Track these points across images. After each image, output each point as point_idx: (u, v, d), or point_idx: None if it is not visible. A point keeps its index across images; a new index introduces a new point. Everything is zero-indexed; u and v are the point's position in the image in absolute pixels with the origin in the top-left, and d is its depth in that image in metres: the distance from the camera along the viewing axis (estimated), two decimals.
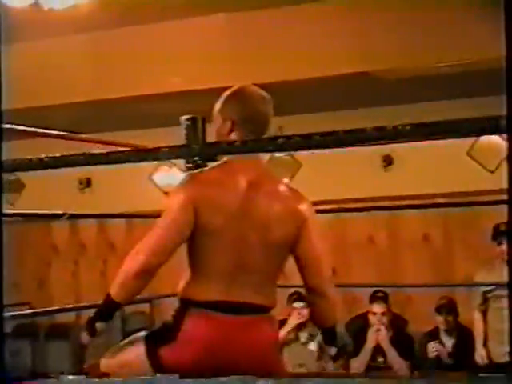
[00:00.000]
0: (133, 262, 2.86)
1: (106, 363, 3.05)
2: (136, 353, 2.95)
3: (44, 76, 6.95)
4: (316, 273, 3.02)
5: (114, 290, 2.91)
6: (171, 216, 2.89)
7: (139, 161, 1.64)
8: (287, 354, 6.62)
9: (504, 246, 5.98)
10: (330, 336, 3.16)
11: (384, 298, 6.76)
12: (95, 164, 1.67)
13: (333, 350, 3.18)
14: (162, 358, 2.89)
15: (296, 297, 6.88)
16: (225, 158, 3.04)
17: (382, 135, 1.53)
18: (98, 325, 2.95)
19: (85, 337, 2.97)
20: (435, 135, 1.47)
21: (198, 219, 2.87)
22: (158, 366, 2.89)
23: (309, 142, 1.55)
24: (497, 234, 6.18)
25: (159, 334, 2.97)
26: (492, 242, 6.25)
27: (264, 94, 3.13)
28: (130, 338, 3.08)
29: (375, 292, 6.81)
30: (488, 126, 1.36)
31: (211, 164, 3.49)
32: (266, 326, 2.98)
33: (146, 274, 2.84)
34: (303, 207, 3.05)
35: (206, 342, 2.86)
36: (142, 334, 3.03)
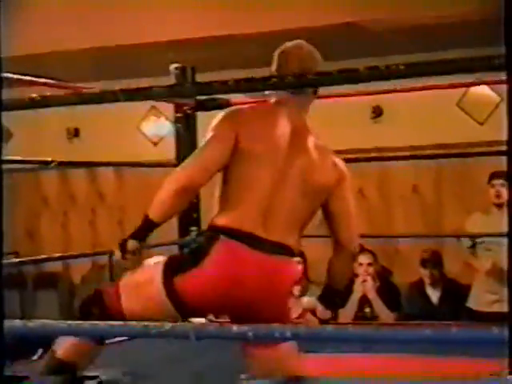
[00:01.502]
0: (173, 180, 2.88)
1: (123, 282, 3.01)
2: (152, 275, 2.92)
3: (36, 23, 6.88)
4: (347, 227, 3.13)
5: (152, 209, 2.91)
6: (213, 138, 2.94)
7: (131, 100, 1.64)
8: None
9: (496, 188, 6.06)
10: (330, 298, 3.19)
11: (370, 250, 6.81)
12: (87, 103, 1.66)
13: (328, 314, 3.21)
14: (177, 284, 2.86)
15: None
16: (271, 100, 3.11)
17: (374, 75, 1.52)
18: (130, 243, 2.95)
19: (117, 254, 2.98)
20: (428, 75, 1.47)
21: (239, 144, 2.92)
22: (171, 291, 2.87)
23: (302, 81, 1.55)
24: (491, 178, 6.21)
25: (181, 260, 2.94)
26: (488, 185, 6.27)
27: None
28: (153, 258, 3.05)
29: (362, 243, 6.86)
30: (482, 64, 1.36)
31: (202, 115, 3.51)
32: (289, 269, 3.00)
33: (186, 191, 2.88)
34: (342, 164, 3.20)
35: (230, 272, 2.84)
36: (164, 258, 3.00)
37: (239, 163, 2.92)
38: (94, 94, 1.69)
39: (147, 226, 2.92)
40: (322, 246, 7.38)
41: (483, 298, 6.25)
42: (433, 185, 7.28)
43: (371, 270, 6.67)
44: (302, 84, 1.56)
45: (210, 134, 2.97)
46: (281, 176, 2.95)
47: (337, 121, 7.39)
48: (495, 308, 6.01)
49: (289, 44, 3.25)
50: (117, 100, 1.64)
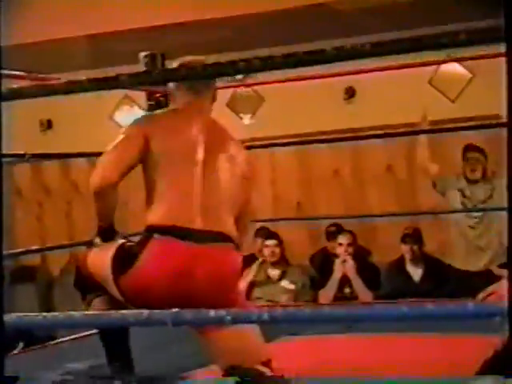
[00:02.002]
0: (90, 185, 3.00)
1: (89, 256, 3.17)
2: (105, 261, 3.04)
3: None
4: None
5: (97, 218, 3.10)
6: (121, 139, 3.08)
7: (99, 89, 1.63)
8: (259, 292, 6.69)
9: (471, 162, 6.12)
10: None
11: (350, 230, 6.83)
12: (56, 94, 1.65)
13: None
14: (122, 285, 2.96)
15: (266, 233, 6.92)
16: (172, 107, 3.29)
17: (341, 55, 1.52)
18: (97, 240, 3.14)
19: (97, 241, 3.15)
20: (395, 53, 1.47)
21: (151, 145, 3.02)
22: (119, 289, 2.97)
23: (269, 63, 1.54)
24: (465, 150, 6.23)
25: (123, 258, 2.99)
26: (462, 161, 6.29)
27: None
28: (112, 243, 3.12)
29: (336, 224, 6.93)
30: (447, 40, 1.36)
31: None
32: (227, 256, 3.02)
33: (104, 191, 2.97)
34: (250, 156, 3.31)
35: (166, 268, 2.89)
36: (118, 243, 3.08)
37: (157, 163, 3.01)
38: (61, 85, 1.68)
39: (102, 230, 3.11)
40: (298, 229, 7.44)
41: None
42: (406, 163, 7.30)
43: (351, 249, 6.69)
44: (269, 67, 1.56)
45: (118, 137, 3.09)
46: (202, 169, 3.02)
47: (311, 104, 7.39)
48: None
49: (188, 58, 3.31)
50: (84, 90, 1.63)
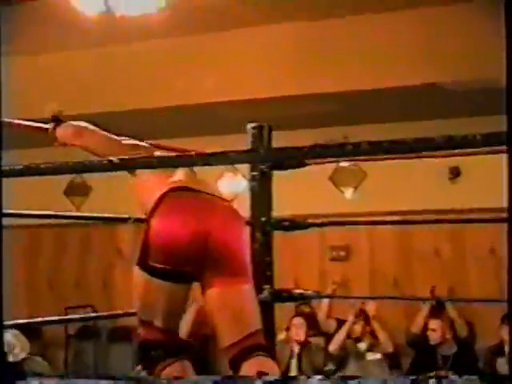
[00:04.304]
0: None
1: (139, 309, 2.97)
2: (138, 279, 2.91)
3: (113, 81, 7.05)
4: None
5: None
6: None
7: (207, 164, 1.65)
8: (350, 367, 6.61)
9: None
10: None
11: (442, 313, 6.70)
12: (164, 166, 1.69)
13: None
14: (150, 260, 2.84)
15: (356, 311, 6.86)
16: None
17: (450, 145, 1.52)
18: None
19: None
20: (504, 144, 1.46)
21: None
22: (150, 269, 2.84)
23: (377, 148, 1.55)
24: None
25: (142, 245, 2.88)
26: None
27: None
28: None
29: (434, 307, 6.78)
30: None
31: (277, 172, 3.55)
32: (236, 212, 2.99)
33: None
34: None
35: (185, 220, 2.82)
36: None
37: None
38: (171, 158, 1.72)
39: None
40: (394, 304, 7.33)
41: None
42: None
43: (447, 332, 6.55)
44: (378, 151, 1.56)
45: None
46: None
47: (414, 181, 7.34)
48: None
49: None
50: (193, 164, 1.67)
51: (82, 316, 7.80)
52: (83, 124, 3.26)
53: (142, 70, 6.90)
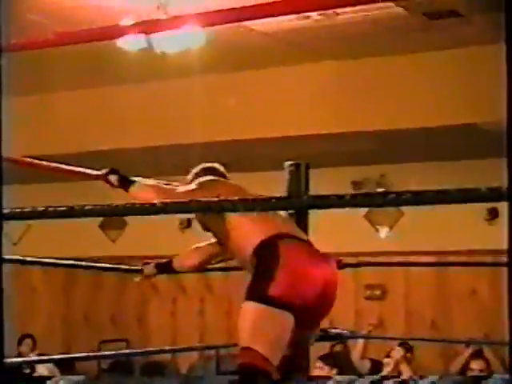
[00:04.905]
0: None
1: (245, 339, 3.07)
2: (251, 311, 3.04)
3: (149, 117, 7.11)
4: None
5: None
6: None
7: (249, 210, 1.66)
8: None
9: None
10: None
11: (482, 355, 6.62)
12: (201, 211, 1.69)
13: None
14: (271, 293, 2.99)
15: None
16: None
17: (494, 195, 1.50)
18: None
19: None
20: None
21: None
22: (271, 301, 2.99)
23: (420, 198, 1.54)
24: None
25: (256, 280, 3.05)
26: None
27: None
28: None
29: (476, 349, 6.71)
30: None
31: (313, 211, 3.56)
32: (332, 261, 3.21)
33: None
34: None
35: (303, 269, 3.05)
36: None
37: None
38: (215, 203, 1.72)
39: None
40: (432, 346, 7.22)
41: None
42: None
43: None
44: (420, 201, 1.55)
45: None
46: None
47: (451, 221, 7.29)
48: None
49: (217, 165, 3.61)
50: (235, 210, 1.67)
51: (118, 352, 7.80)
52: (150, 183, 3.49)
53: (180, 106, 6.94)
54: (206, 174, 3.47)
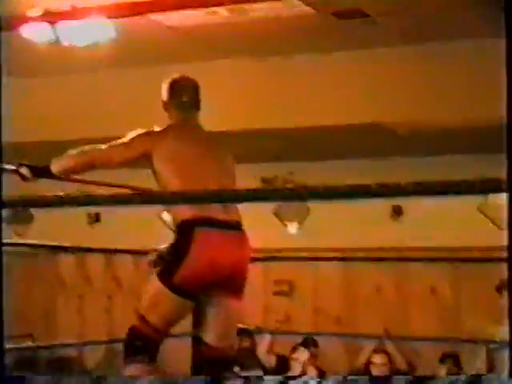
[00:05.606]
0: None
1: (140, 307, 3.48)
2: (155, 288, 3.42)
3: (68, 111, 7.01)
4: None
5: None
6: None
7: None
8: None
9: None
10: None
11: (384, 349, 6.76)
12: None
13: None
14: (174, 280, 3.33)
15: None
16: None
17: (384, 192, 1.55)
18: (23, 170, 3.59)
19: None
20: (436, 194, 1.49)
21: (154, 150, 3.43)
22: (172, 287, 3.34)
23: (313, 193, 1.58)
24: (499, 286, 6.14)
25: (169, 260, 3.37)
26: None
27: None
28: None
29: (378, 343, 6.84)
30: (489, 186, 1.38)
31: None
32: (247, 241, 3.50)
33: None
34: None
35: (214, 256, 3.32)
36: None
37: (167, 166, 3.43)
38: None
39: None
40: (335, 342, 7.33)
41: None
42: (450, 286, 7.23)
43: (386, 369, 6.59)
44: (312, 196, 1.59)
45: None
46: (211, 167, 3.50)
47: (357, 218, 7.39)
48: None
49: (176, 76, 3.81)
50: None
51: (23, 345, 7.68)
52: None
53: (85, 101, 6.86)
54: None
